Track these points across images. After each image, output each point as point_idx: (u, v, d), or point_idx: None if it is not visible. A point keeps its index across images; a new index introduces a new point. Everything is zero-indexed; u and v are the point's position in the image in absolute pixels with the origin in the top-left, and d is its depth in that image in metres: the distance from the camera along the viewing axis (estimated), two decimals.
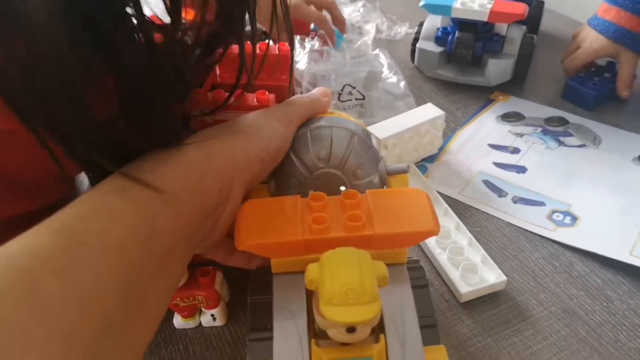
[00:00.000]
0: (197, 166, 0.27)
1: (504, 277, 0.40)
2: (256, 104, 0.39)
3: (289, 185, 0.35)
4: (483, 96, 0.62)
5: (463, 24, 0.60)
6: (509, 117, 0.59)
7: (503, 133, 0.57)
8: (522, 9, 0.57)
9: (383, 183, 0.35)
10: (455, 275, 0.40)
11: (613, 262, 0.41)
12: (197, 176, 0.27)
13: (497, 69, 0.61)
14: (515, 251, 0.43)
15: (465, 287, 0.39)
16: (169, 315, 0.39)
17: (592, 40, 0.60)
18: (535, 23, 0.70)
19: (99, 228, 0.22)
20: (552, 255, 0.43)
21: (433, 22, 0.64)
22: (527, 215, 0.46)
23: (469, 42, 0.59)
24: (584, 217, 0.45)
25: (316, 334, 0.27)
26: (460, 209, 0.47)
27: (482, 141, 0.56)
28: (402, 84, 0.58)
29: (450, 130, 0.57)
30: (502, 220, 0.46)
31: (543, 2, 0.71)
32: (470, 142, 0.56)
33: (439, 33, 0.63)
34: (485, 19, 0.57)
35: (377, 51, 0.62)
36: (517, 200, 0.48)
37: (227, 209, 0.29)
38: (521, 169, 0.52)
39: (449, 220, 0.45)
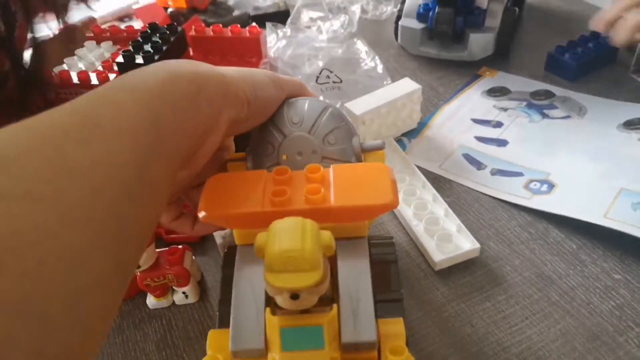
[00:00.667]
0: (194, 81, 0.28)
1: (477, 245, 0.40)
2: None
3: (264, 153, 0.36)
4: (468, 72, 0.62)
5: None
6: (495, 92, 0.59)
7: (487, 108, 0.57)
8: None
9: (359, 160, 0.36)
10: (430, 244, 0.41)
11: (590, 227, 0.42)
12: (194, 90, 0.27)
13: (479, 43, 0.60)
14: (492, 220, 0.44)
15: (440, 255, 0.40)
16: (143, 296, 0.40)
17: None
18: None
19: (111, 114, 0.23)
20: (528, 224, 0.43)
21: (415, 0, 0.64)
22: (504, 186, 0.47)
23: (448, 17, 0.59)
24: (562, 184, 0.46)
25: (274, 303, 0.28)
26: (440, 183, 0.48)
27: (465, 116, 0.56)
28: (380, 67, 0.58)
29: (434, 106, 0.57)
30: (480, 192, 0.47)
31: None
32: (454, 118, 0.56)
33: (421, 9, 0.62)
34: None
35: (354, 39, 0.62)
36: (495, 172, 0.48)
37: (211, 137, 0.29)
38: (502, 142, 0.52)
39: (426, 193, 0.46)
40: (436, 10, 0.59)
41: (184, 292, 0.39)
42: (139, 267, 0.37)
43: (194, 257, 0.41)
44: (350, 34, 0.68)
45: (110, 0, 0.80)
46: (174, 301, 0.40)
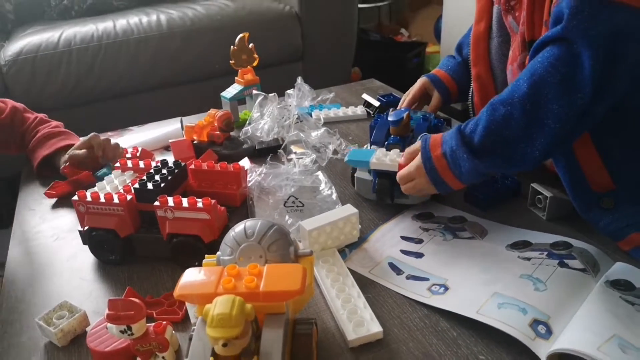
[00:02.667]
0: None
1: (380, 329, 0.54)
2: (202, 206, 0.60)
3: (226, 254, 0.52)
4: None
5: (380, 173, 0.74)
6: (422, 217, 0.75)
7: (414, 228, 0.73)
8: None
9: (294, 262, 0.52)
10: (348, 327, 0.55)
11: (471, 321, 0.56)
12: None
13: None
14: (399, 312, 0.58)
15: (353, 335, 0.54)
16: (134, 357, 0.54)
17: None
18: None
19: None
20: (425, 316, 0.58)
21: None
22: (413, 287, 0.61)
23: (385, 187, 0.73)
24: (454, 287, 0.60)
25: (215, 354, 0.43)
26: (368, 284, 0.63)
27: (396, 234, 0.72)
28: (334, 195, 0.77)
29: (374, 224, 0.74)
30: (395, 292, 0.61)
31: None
32: (388, 234, 0.72)
33: None
34: (396, 169, 0.71)
35: (318, 172, 0.81)
36: (409, 277, 0.63)
37: None
38: (419, 255, 0.67)
39: (353, 290, 0.61)
40: (376, 182, 0.74)
41: (163, 357, 0.54)
42: (132, 334, 0.52)
43: (174, 331, 0.56)
44: (318, 167, 0.87)
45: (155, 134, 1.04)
46: None
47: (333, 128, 1.00)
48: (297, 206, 0.76)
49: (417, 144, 0.69)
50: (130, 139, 1.04)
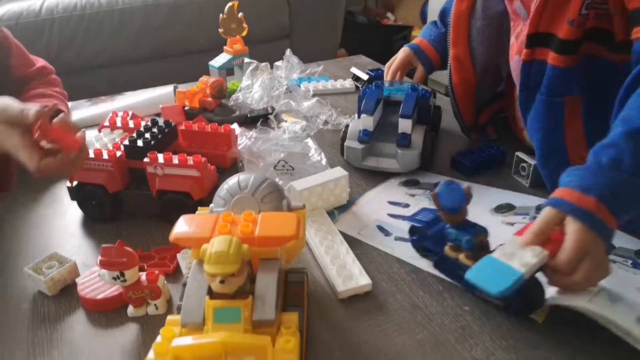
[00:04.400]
0: None
1: (370, 281, 0.56)
2: (192, 163, 0.61)
3: (218, 205, 0.53)
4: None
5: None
6: (408, 183, 0.76)
7: (401, 194, 0.74)
8: None
9: None
10: (337, 280, 0.57)
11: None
12: None
13: (406, 158, 0.76)
14: (387, 268, 0.60)
15: (343, 287, 0.56)
16: (125, 309, 0.54)
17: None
18: (436, 122, 0.89)
19: None
20: (412, 272, 0.59)
21: (356, 126, 0.80)
22: (402, 249, 0.62)
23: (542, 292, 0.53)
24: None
25: (211, 293, 0.43)
26: (357, 245, 0.64)
27: (383, 199, 0.73)
28: (324, 161, 0.78)
29: (362, 190, 0.75)
30: (385, 252, 0.63)
31: (440, 107, 0.90)
32: (376, 200, 0.73)
33: (360, 134, 0.78)
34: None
35: (307, 139, 0.82)
36: (397, 238, 0.65)
37: None
38: (406, 218, 0.69)
39: (342, 247, 0.62)
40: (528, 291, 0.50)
41: (155, 305, 0.54)
42: (125, 281, 0.52)
43: (165, 281, 0.56)
44: (307, 135, 0.88)
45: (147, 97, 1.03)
46: (147, 312, 0.55)
47: (323, 100, 1.00)
48: (287, 170, 0.77)
49: (543, 217, 0.50)
50: (121, 102, 1.03)
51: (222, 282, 0.41)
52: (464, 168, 0.78)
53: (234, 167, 0.77)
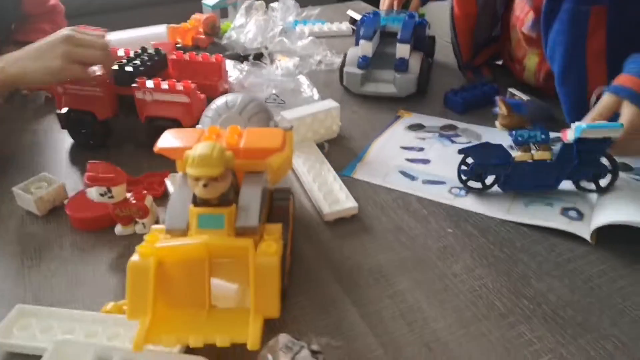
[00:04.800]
0: None
1: (355, 204, 0.56)
2: (182, 89, 0.61)
3: (205, 124, 0.53)
4: (392, 112, 0.79)
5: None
6: (414, 127, 0.76)
7: (410, 138, 0.73)
8: None
9: None
10: (324, 204, 0.57)
11: (443, 204, 0.58)
12: None
13: (404, 82, 0.80)
14: (375, 196, 0.60)
15: (328, 209, 0.56)
16: (113, 226, 0.55)
17: None
18: (430, 50, 0.90)
19: None
20: (398, 197, 0.60)
21: (355, 52, 0.83)
22: (433, 192, 0.61)
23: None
24: (474, 191, 0.60)
25: (197, 201, 0.44)
26: (349, 181, 0.64)
27: (395, 145, 0.71)
28: (316, 96, 0.77)
29: (368, 139, 0.72)
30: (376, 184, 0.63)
31: (434, 37, 0.91)
32: (386, 147, 0.71)
33: (360, 60, 0.81)
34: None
35: (300, 75, 0.81)
36: (425, 182, 0.63)
37: None
38: (426, 161, 0.67)
39: (329, 175, 0.62)
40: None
41: (143, 223, 0.55)
42: (112, 197, 0.53)
43: (154, 202, 0.57)
44: (299, 72, 0.87)
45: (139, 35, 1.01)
46: (135, 230, 0.55)
47: (318, 40, 0.99)
48: (279, 103, 0.76)
49: (604, 102, 0.57)
50: (112, 39, 1.01)
51: (205, 185, 0.41)
52: (457, 105, 0.77)
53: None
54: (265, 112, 0.55)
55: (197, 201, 0.44)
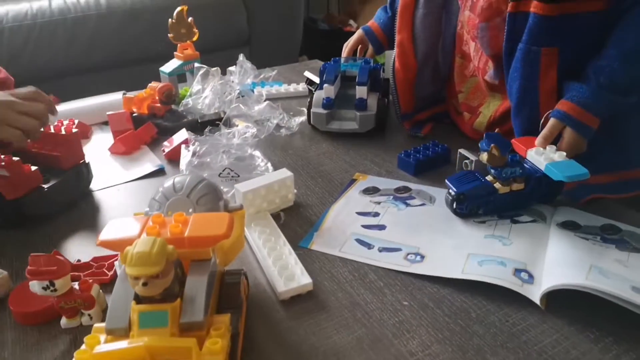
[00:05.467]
0: None
1: (310, 280, 0.56)
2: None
3: (153, 208, 0.52)
4: (348, 174, 0.80)
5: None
6: (368, 191, 0.76)
7: (365, 203, 0.73)
8: None
9: None
10: (279, 281, 0.56)
11: (399, 274, 0.58)
12: None
13: (364, 119, 0.89)
14: (330, 268, 0.60)
15: (283, 286, 0.55)
16: (58, 320, 0.53)
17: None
18: (386, 91, 0.97)
19: None
20: (354, 270, 0.60)
21: (320, 95, 0.92)
22: (389, 259, 0.61)
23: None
24: (429, 254, 0.61)
25: (138, 297, 0.42)
26: (301, 249, 0.64)
27: (351, 211, 0.71)
28: (270, 169, 0.77)
29: (325, 205, 0.72)
30: (332, 254, 0.63)
31: (388, 79, 0.96)
32: (343, 213, 0.71)
33: (324, 102, 0.91)
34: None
35: (256, 151, 0.81)
36: (381, 249, 0.63)
37: None
38: (382, 227, 0.67)
39: (285, 248, 0.62)
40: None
41: (89, 315, 0.53)
42: (55, 291, 0.51)
43: (101, 290, 0.55)
44: (258, 140, 0.87)
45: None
46: (81, 322, 0.53)
47: (275, 103, 1.00)
48: (233, 177, 0.76)
49: (550, 126, 0.67)
50: (66, 109, 1.00)
51: (145, 284, 0.40)
52: (409, 167, 0.79)
53: (77, 168, 0.75)
54: (214, 192, 0.54)
55: (139, 297, 0.42)
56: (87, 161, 0.78)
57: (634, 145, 0.73)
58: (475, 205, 0.67)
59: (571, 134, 0.66)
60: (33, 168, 0.69)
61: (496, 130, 0.73)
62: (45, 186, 0.70)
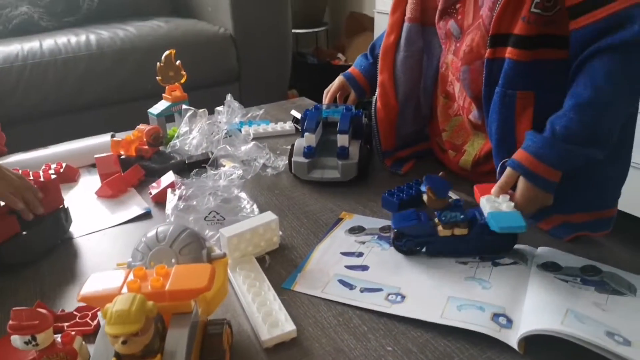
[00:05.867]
0: None
1: (294, 327, 0.56)
2: None
3: (137, 260, 0.52)
4: (334, 214, 0.81)
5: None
6: (354, 230, 0.76)
7: (350, 242, 0.73)
8: None
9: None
10: (263, 328, 0.56)
11: (382, 319, 0.58)
12: None
13: (346, 168, 0.88)
14: (314, 313, 0.60)
15: (267, 334, 0.55)
16: None
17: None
18: (368, 138, 0.96)
19: None
20: (339, 314, 0.60)
21: (301, 143, 0.90)
22: (370, 299, 0.61)
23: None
24: (410, 295, 0.61)
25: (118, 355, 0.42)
26: (286, 293, 0.64)
27: (336, 251, 0.71)
28: (256, 211, 0.78)
29: (310, 246, 0.73)
30: (313, 295, 0.63)
31: (370, 125, 0.95)
32: (328, 253, 0.71)
33: (305, 150, 0.89)
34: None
35: (241, 192, 0.82)
36: (363, 290, 0.63)
37: None
38: (365, 267, 0.67)
39: (269, 294, 0.62)
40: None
41: None
42: (37, 345, 0.50)
43: (84, 342, 0.55)
44: (244, 182, 0.88)
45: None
46: None
47: (262, 142, 1.02)
48: (218, 220, 0.76)
49: (506, 175, 0.67)
50: (54, 152, 1.01)
51: (124, 342, 0.40)
52: (392, 206, 0.80)
53: (56, 214, 0.76)
54: (197, 242, 0.55)
55: (119, 355, 0.42)
56: (66, 206, 0.78)
57: (611, 187, 0.75)
58: (414, 243, 0.68)
59: (525, 183, 0.66)
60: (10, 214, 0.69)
61: (482, 169, 0.75)
62: (23, 233, 0.70)
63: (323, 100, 1.09)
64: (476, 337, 0.55)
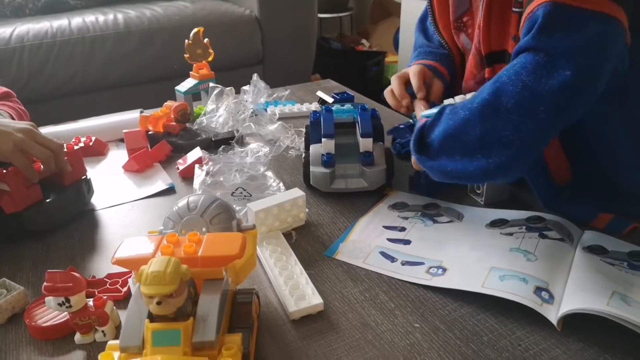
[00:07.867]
0: None
1: (321, 301, 0.56)
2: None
3: (167, 227, 0.53)
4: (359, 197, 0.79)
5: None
6: (397, 206, 0.76)
7: (393, 217, 0.73)
8: None
9: None
10: (290, 300, 0.56)
11: (406, 292, 0.58)
12: None
13: (374, 176, 0.77)
14: (341, 287, 0.60)
15: (294, 307, 0.55)
16: (73, 334, 0.53)
17: None
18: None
19: None
20: (365, 290, 0.60)
21: (317, 150, 0.79)
22: (411, 272, 0.61)
23: None
24: (451, 268, 0.61)
25: (151, 315, 0.43)
26: (312, 263, 0.64)
27: (378, 224, 0.72)
28: (282, 189, 0.78)
29: (337, 224, 0.72)
30: (339, 269, 0.63)
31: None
32: (370, 226, 0.71)
33: (325, 158, 0.78)
34: None
35: (268, 171, 0.82)
36: (404, 263, 0.63)
37: None
38: (407, 242, 0.68)
39: (296, 268, 0.62)
40: None
41: (102, 331, 0.53)
42: (70, 307, 0.51)
43: (114, 307, 0.56)
44: (270, 160, 0.88)
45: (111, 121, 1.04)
46: (95, 339, 0.54)
47: (288, 123, 1.01)
48: (245, 196, 0.77)
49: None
50: (85, 126, 1.03)
51: (159, 303, 0.40)
52: (421, 188, 0.79)
53: (78, 184, 0.76)
54: (227, 212, 0.55)
55: (152, 316, 0.43)
56: (88, 177, 0.79)
57: None
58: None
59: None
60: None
61: None
62: (47, 200, 0.71)
63: (416, 89, 0.83)
64: (506, 317, 0.54)
